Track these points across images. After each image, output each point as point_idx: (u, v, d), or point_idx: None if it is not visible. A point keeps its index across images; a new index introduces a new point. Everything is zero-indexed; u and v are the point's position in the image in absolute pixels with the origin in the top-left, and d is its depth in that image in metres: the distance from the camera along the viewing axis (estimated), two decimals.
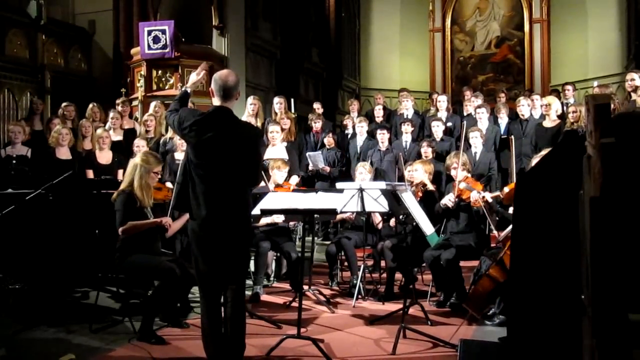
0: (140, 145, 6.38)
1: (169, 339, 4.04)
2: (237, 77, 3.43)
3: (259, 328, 4.27)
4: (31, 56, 9.10)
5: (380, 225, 5.67)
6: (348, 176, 7.16)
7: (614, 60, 12.50)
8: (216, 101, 3.39)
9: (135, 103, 8.72)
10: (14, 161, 6.31)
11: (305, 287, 5.14)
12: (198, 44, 9.50)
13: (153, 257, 4.21)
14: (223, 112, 3.35)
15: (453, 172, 5.20)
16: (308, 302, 5.09)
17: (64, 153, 6.43)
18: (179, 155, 6.12)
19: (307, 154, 7.70)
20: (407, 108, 9.09)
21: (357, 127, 8.37)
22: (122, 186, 4.31)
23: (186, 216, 4.59)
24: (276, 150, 6.89)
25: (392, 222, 5.47)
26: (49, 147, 6.53)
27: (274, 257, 6.02)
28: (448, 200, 5.02)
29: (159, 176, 4.48)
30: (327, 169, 7.76)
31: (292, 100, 8.53)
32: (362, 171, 5.91)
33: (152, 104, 7.82)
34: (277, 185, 5.63)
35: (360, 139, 8.22)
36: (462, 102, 9.81)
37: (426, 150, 6.98)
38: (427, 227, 4.46)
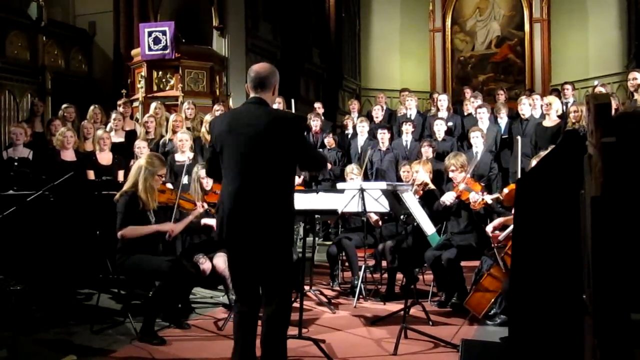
0: (141, 147, 6.38)
1: (170, 340, 4.04)
2: (272, 68, 3.12)
3: (260, 329, 4.26)
4: (32, 57, 9.11)
5: (380, 223, 5.66)
6: None
7: (614, 60, 12.51)
8: (252, 95, 3.10)
9: (135, 104, 8.74)
10: (16, 163, 6.31)
11: (306, 288, 5.14)
12: (198, 45, 9.51)
13: (154, 257, 4.20)
14: (255, 103, 3.04)
15: (452, 174, 5.20)
16: (309, 303, 5.09)
17: (69, 155, 6.41)
18: (180, 157, 6.12)
19: None
20: (410, 108, 9.09)
21: (358, 127, 8.38)
22: (125, 187, 4.29)
23: (188, 219, 4.63)
24: None
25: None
26: (52, 149, 6.52)
27: None
28: (448, 198, 5.02)
29: (163, 179, 4.47)
30: (328, 165, 7.76)
31: (292, 100, 8.53)
32: (353, 177, 5.90)
33: (153, 105, 7.83)
34: None
35: (361, 138, 8.22)
36: (462, 102, 9.81)
37: (427, 150, 6.99)
38: (428, 227, 4.46)
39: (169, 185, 5.69)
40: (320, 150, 7.92)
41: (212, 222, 4.59)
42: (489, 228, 4.47)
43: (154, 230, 4.24)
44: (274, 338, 3.01)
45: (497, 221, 4.47)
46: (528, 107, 7.69)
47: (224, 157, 3.01)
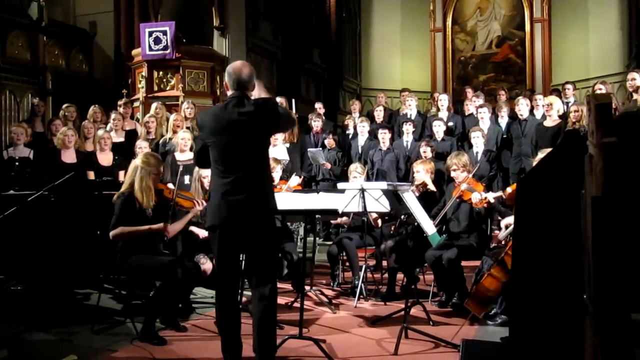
0: (142, 147, 6.39)
1: (170, 340, 4.04)
2: (251, 68, 3.31)
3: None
4: (32, 58, 9.11)
5: (379, 223, 5.65)
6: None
7: (615, 60, 12.50)
8: (232, 92, 3.30)
9: (136, 104, 8.75)
10: (17, 163, 6.31)
11: (307, 288, 5.13)
12: (199, 45, 9.51)
13: (154, 257, 4.21)
14: (239, 97, 3.24)
15: (453, 174, 5.20)
16: (310, 303, 5.08)
17: (69, 155, 6.41)
18: (180, 156, 6.13)
19: (308, 150, 7.70)
20: (410, 108, 9.10)
21: (359, 127, 8.39)
22: (122, 188, 4.30)
23: (188, 217, 4.62)
24: (277, 151, 6.89)
25: (392, 228, 5.45)
26: (53, 149, 6.52)
27: None
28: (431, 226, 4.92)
29: (160, 178, 4.47)
30: (328, 165, 7.77)
31: (293, 100, 8.53)
32: (356, 175, 5.89)
33: (153, 105, 7.84)
34: (273, 187, 5.63)
35: (362, 138, 8.23)
36: (463, 102, 9.81)
37: (425, 150, 6.98)
38: (429, 227, 4.46)
39: (170, 185, 5.69)
40: (320, 149, 7.93)
41: None
42: (502, 236, 4.48)
43: (145, 231, 4.20)
44: (267, 325, 3.24)
45: (508, 222, 4.47)
46: (526, 107, 7.69)
47: (214, 151, 3.24)
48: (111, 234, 4.15)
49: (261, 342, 3.23)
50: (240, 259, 3.44)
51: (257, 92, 3.40)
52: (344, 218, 5.71)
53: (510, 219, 4.47)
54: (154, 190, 4.33)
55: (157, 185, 4.41)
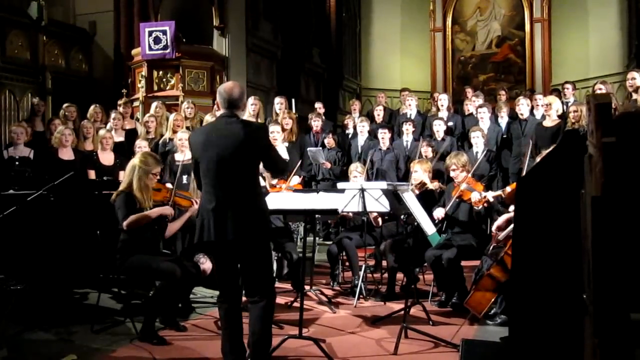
0: (142, 147, 6.39)
1: (170, 339, 4.04)
2: (242, 89, 3.43)
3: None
4: (32, 57, 9.11)
5: (380, 222, 5.66)
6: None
7: (614, 60, 12.51)
8: (223, 111, 3.42)
9: (136, 104, 8.74)
10: (17, 162, 6.31)
11: (307, 288, 5.14)
12: (199, 45, 9.53)
13: (154, 257, 4.20)
14: (228, 116, 3.35)
15: (453, 174, 5.20)
16: (309, 303, 5.09)
17: (66, 154, 6.42)
18: (179, 156, 6.12)
19: (308, 149, 7.70)
20: (410, 107, 9.10)
21: (359, 127, 8.38)
22: (121, 187, 4.30)
23: (186, 216, 4.63)
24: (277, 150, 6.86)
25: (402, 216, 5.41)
26: (51, 148, 6.53)
27: (276, 258, 6.01)
28: (438, 214, 5.02)
29: (158, 177, 4.47)
30: (328, 164, 7.76)
31: (293, 100, 8.53)
32: (357, 175, 5.88)
33: (153, 105, 7.83)
34: (272, 186, 5.64)
35: (362, 138, 8.23)
36: (462, 101, 9.81)
37: (426, 150, 6.98)
38: (429, 227, 4.46)
39: (169, 185, 5.68)
40: (320, 149, 7.92)
41: None
42: (494, 228, 4.46)
43: (156, 214, 4.27)
44: (262, 327, 3.32)
45: (502, 219, 4.46)
46: (526, 107, 7.68)
47: (203, 166, 3.33)
48: (125, 223, 4.15)
49: (254, 344, 3.31)
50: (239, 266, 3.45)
51: None
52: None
53: (498, 222, 4.45)
54: (152, 189, 4.34)
55: (155, 184, 4.41)
